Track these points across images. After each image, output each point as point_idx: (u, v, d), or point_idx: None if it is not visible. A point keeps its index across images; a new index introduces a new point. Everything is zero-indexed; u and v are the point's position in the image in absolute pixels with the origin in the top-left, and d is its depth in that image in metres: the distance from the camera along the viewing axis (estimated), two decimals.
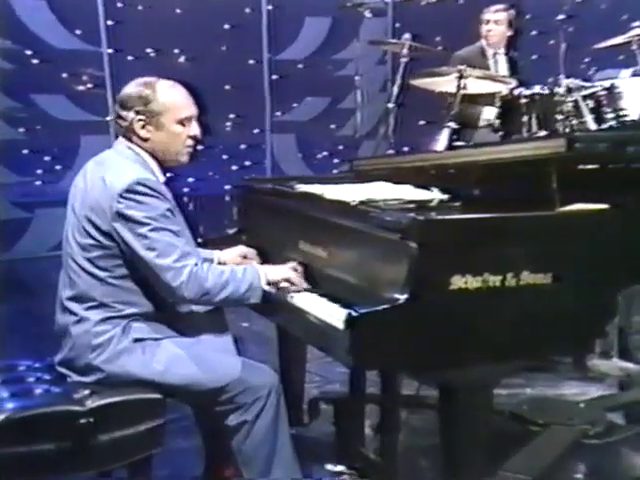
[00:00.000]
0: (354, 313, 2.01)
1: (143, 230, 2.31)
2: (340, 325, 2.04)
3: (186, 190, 7.36)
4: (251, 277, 2.43)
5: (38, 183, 7.08)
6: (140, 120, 2.43)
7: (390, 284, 2.12)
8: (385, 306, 2.03)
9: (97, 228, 2.36)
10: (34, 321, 4.73)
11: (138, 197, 2.32)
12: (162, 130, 2.45)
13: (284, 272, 2.49)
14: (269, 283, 2.46)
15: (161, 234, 2.32)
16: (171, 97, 2.45)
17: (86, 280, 2.40)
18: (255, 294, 2.43)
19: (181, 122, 2.46)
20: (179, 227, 2.41)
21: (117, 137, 2.56)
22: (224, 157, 7.68)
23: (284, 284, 2.48)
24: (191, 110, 2.49)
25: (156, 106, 2.42)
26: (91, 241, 2.38)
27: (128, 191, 2.32)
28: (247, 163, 7.76)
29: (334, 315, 2.12)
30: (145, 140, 2.46)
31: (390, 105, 5.07)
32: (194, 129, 2.49)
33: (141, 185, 2.33)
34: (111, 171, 2.40)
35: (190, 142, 2.50)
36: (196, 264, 2.36)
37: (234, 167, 7.69)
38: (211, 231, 3.44)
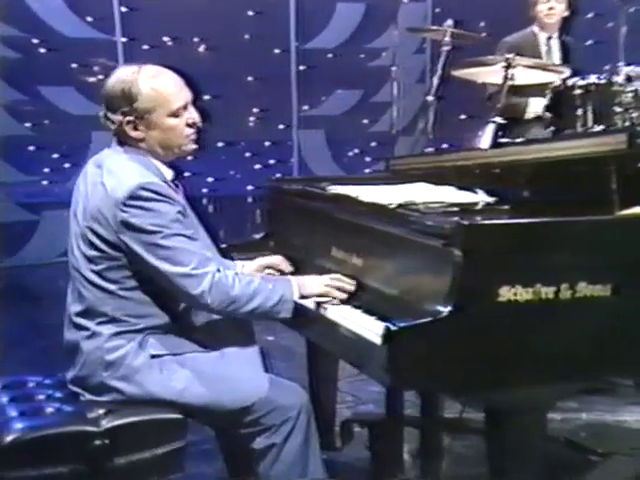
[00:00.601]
0: (392, 327, 2.01)
1: (154, 239, 2.31)
2: (377, 340, 2.04)
3: (205, 191, 7.40)
4: (283, 289, 2.42)
5: (45, 183, 7.16)
6: (129, 122, 2.38)
7: (432, 295, 2.12)
8: (426, 319, 2.03)
9: (102, 239, 2.36)
10: (41, 333, 4.79)
11: (143, 203, 2.31)
12: (155, 128, 2.40)
13: (320, 287, 2.46)
14: (304, 297, 2.45)
15: (174, 241, 2.32)
16: (157, 89, 2.38)
17: (95, 294, 2.41)
18: (286, 308, 2.41)
19: (174, 114, 2.40)
20: (193, 230, 2.42)
21: None
22: (246, 155, 7.72)
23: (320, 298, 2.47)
24: (183, 98, 2.42)
25: (143, 103, 2.36)
26: (97, 252, 2.38)
27: (131, 198, 2.30)
28: (271, 161, 7.79)
29: (370, 329, 2.12)
30: (140, 141, 2.42)
31: (429, 98, 5.05)
32: (191, 116, 2.44)
33: (145, 190, 2.32)
34: (111, 175, 2.37)
35: (190, 130, 2.44)
36: (218, 270, 2.36)
37: (257, 166, 7.72)
38: (232, 236, 3.45)
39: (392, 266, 2.39)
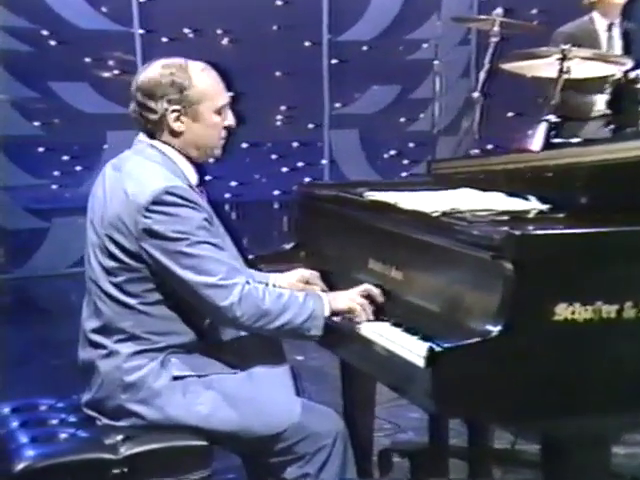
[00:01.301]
0: (437, 348, 2.00)
1: (178, 247, 2.33)
2: (419, 362, 2.03)
3: (228, 196, 7.43)
4: (313, 304, 2.43)
5: (55, 187, 7.23)
6: (175, 111, 2.44)
7: (480, 313, 2.11)
8: (474, 340, 2.02)
9: (122, 248, 2.38)
10: (52, 351, 4.82)
11: (168, 209, 2.33)
12: (199, 122, 2.46)
13: (351, 300, 2.47)
14: (334, 313, 2.46)
15: (201, 248, 2.34)
16: (207, 82, 2.47)
17: (113, 308, 2.43)
18: (316, 325, 2.42)
19: (218, 111, 2.48)
20: (219, 239, 2.44)
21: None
22: (273, 157, 7.74)
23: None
24: (226, 97, 2.52)
25: (193, 93, 2.43)
26: (116, 263, 2.40)
27: (155, 203, 2.33)
28: (300, 164, 7.81)
29: (412, 349, 2.12)
30: (178, 135, 2.47)
31: (475, 94, 5.04)
32: (230, 118, 2.53)
33: (170, 194, 2.34)
34: (133, 179, 2.41)
35: (224, 134, 2.53)
36: (247, 282, 2.38)
37: (284, 169, 7.74)
38: (257, 245, 3.46)
39: (435, 280, 2.38)
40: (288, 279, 2.78)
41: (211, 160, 2.56)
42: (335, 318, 2.47)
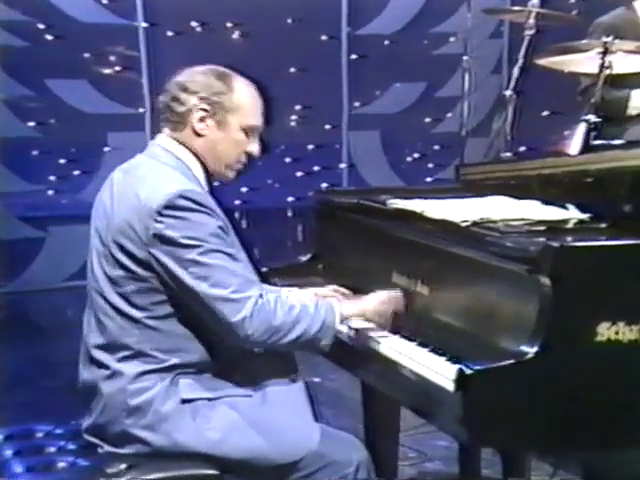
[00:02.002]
0: (467, 370, 2.00)
1: (190, 255, 2.35)
2: (448, 385, 2.04)
3: (237, 202, 7.44)
4: (325, 313, 2.45)
5: (51, 193, 7.26)
6: (202, 109, 2.50)
7: (514, 332, 2.11)
8: (508, 362, 2.02)
9: (129, 255, 2.40)
10: (48, 372, 4.81)
11: (181, 214, 2.36)
12: (223, 130, 2.52)
13: (364, 305, 2.52)
14: (344, 320, 2.49)
15: (214, 257, 2.36)
16: (246, 97, 2.54)
17: (119, 322, 2.44)
18: (328, 334, 2.44)
19: (246, 130, 2.54)
20: (234, 249, 2.45)
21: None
22: (287, 160, 7.75)
23: (365, 323, 2.51)
24: (260, 120, 2.58)
25: (227, 100, 2.51)
26: (123, 272, 2.42)
27: (168, 207, 2.36)
28: (316, 168, 7.82)
29: (440, 372, 2.12)
30: (198, 136, 2.52)
31: (507, 92, 5.01)
32: (255, 145, 2.58)
33: (185, 199, 2.37)
34: (146, 183, 2.44)
35: (244, 159, 2.58)
36: (261, 295, 2.39)
37: (299, 173, 7.75)
38: (270, 256, 3.47)
39: (464, 296, 2.38)
40: (303, 296, 2.77)
41: (219, 179, 2.59)
42: (352, 333, 2.50)
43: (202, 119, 2.51)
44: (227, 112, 2.51)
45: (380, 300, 2.56)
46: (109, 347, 2.47)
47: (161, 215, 2.35)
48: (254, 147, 2.58)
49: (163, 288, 2.41)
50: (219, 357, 2.49)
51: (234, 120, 2.52)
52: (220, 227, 2.41)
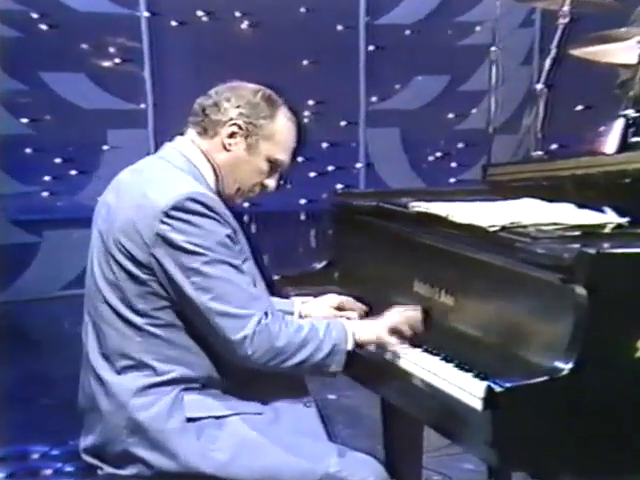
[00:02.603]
0: (497, 387, 2.00)
1: (193, 263, 2.36)
2: (476, 404, 2.03)
3: (246, 205, 7.38)
4: (336, 336, 2.45)
5: (46, 194, 7.27)
6: (237, 125, 2.55)
7: (547, 347, 2.10)
8: (541, 379, 2.01)
9: (130, 257, 2.42)
10: (44, 389, 4.83)
11: (188, 217, 2.37)
12: (250, 154, 2.58)
13: (380, 328, 2.51)
14: (359, 345, 2.49)
15: (219, 268, 2.37)
16: (285, 130, 2.61)
17: (119, 329, 2.46)
18: (337, 360, 2.44)
19: (271, 162, 2.60)
20: (242, 260, 2.46)
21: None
22: (299, 159, 7.72)
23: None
24: (288, 159, 2.65)
25: (265, 126, 2.57)
26: (122, 275, 2.44)
27: (176, 209, 2.38)
28: (330, 168, 7.83)
29: (467, 389, 2.12)
30: (224, 150, 2.57)
31: (538, 86, 5.01)
32: (273, 181, 2.65)
33: (194, 202, 2.39)
34: (155, 183, 2.47)
35: (258, 190, 2.65)
36: (266, 313, 2.39)
37: (312, 174, 7.75)
38: (281, 263, 3.47)
39: (492, 307, 2.38)
40: (317, 307, 2.82)
41: (226, 202, 2.59)
42: (372, 346, 2.51)
43: (233, 135, 2.56)
44: (261, 137, 2.57)
45: (397, 320, 2.54)
46: (108, 357, 2.48)
47: (168, 216, 2.37)
48: (272, 182, 2.64)
49: (164, 293, 2.42)
50: (226, 373, 2.49)
51: (265, 148, 2.58)
52: (228, 235, 2.42)
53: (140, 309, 2.44)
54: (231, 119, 2.55)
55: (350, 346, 2.46)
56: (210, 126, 2.57)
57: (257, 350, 2.36)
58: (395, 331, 2.51)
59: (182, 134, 2.62)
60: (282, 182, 2.68)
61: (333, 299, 2.84)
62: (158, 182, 2.47)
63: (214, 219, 2.40)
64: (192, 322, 2.42)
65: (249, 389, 2.52)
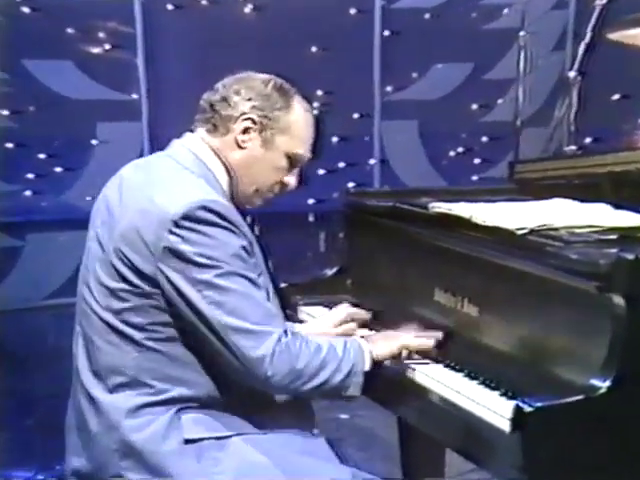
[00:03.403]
0: (526, 407, 2.00)
1: (205, 275, 2.35)
2: (503, 425, 2.04)
3: (249, 205, 7.42)
4: (354, 356, 2.47)
5: (29, 194, 7.26)
6: (250, 120, 2.54)
7: (581, 362, 2.11)
8: (575, 398, 2.02)
9: (133, 268, 2.41)
10: (26, 408, 4.83)
11: (201, 228, 2.36)
12: (267, 150, 2.57)
13: (396, 345, 2.54)
14: (376, 363, 2.50)
15: (233, 282, 2.37)
16: (301, 121, 2.60)
17: (113, 342, 2.45)
18: (355, 382, 2.46)
19: (290, 158, 2.60)
20: (257, 274, 2.47)
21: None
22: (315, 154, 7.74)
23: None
24: (308, 152, 2.64)
25: (281, 119, 2.56)
26: (123, 285, 2.43)
27: (187, 218, 2.36)
28: (341, 165, 7.82)
29: (493, 408, 2.12)
30: (238, 148, 2.56)
31: (571, 73, 5.02)
32: (293, 178, 2.64)
33: (207, 211, 2.38)
34: (164, 186, 2.46)
35: (277, 189, 2.64)
36: (285, 331, 2.40)
37: (321, 171, 7.73)
38: (287, 269, 3.47)
39: (521, 318, 2.39)
40: (326, 324, 2.84)
41: (242, 206, 2.60)
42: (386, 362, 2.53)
43: (247, 130, 2.55)
44: (277, 131, 2.56)
45: (411, 344, 2.57)
46: (100, 373, 2.48)
47: (178, 226, 2.36)
48: (292, 179, 2.63)
49: (168, 307, 2.42)
50: (229, 394, 2.49)
51: (282, 141, 2.57)
52: (244, 247, 2.42)
53: (138, 323, 2.43)
54: (243, 113, 2.54)
55: (368, 366, 2.47)
56: (221, 123, 2.56)
57: (278, 371, 2.36)
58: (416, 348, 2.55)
59: (192, 131, 2.61)
60: (302, 180, 2.67)
61: (334, 317, 2.86)
62: (166, 185, 2.46)
63: (228, 229, 2.39)
64: (199, 339, 2.41)
65: (252, 412, 2.52)
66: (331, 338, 2.57)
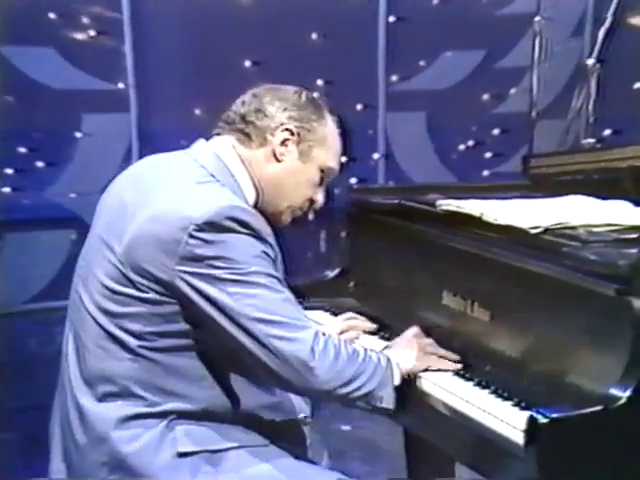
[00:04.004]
0: (541, 418, 2.01)
1: (227, 274, 2.36)
2: (517, 437, 2.05)
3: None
4: (385, 365, 2.48)
5: (8, 190, 7.24)
6: (288, 131, 2.57)
7: (599, 370, 2.12)
8: (594, 408, 2.03)
9: (145, 273, 2.41)
10: (7, 420, 4.80)
11: (224, 236, 2.37)
12: (304, 162, 2.60)
13: (421, 358, 2.55)
14: (409, 377, 2.53)
15: (258, 277, 2.37)
16: (334, 133, 2.66)
17: (107, 348, 2.45)
18: (388, 394, 2.47)
19: (323, 172, 2.64)
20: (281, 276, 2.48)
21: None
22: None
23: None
24: (338, 167, 2.70)
25: (318, 130, 2.61)
26: (129, 289, 2.43)
27: (211, 224, 2.36)
28: (343, 159, 7.80)
29: (506, 420, 2.13)
30: (275, 161, 2.57)
31: (590, 61, 5.02)
32: (322, 195, 2.68)
33: (232, 220, 2.38)
34: (186, 188, 2.46)
35: (306, 206, 2.67)
36: (318, 331, 2.41)
37: None
38: (285, 270, 3.50)
39: (535, 323, 2.39)
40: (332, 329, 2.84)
41: (268, 224, 2.57)
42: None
43: (284, 142, 2.57)
44: (315, 143, 2.60)
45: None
46: (90, 380, 2.48)
47: (200, 230, 2.36)
48: (321, 196, 2.66)
49: (179, 315, 2.42)
50: (224, 410, 2.50)
51: (318, 155, 2.60)
52: (266, 252, 2.42)
53: (135, 329, 2.43)
54: (282, 124, 2.56)
55: (398, 380, 2.49)
56: (256, 133, 2.57)
57: (320, 366, 2.37)
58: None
59: (219, 134, 2.61)
60: (330, 196, 2.71)
61: (344, 322, 2.90)
62: (189, 187, 2.46)
63: (252, 235, 2.40)
64: (202, 346, 2.43)
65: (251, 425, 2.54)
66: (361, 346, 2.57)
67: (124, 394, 2.44)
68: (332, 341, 2.41)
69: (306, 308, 2.86)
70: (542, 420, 2.01)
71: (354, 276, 3.19)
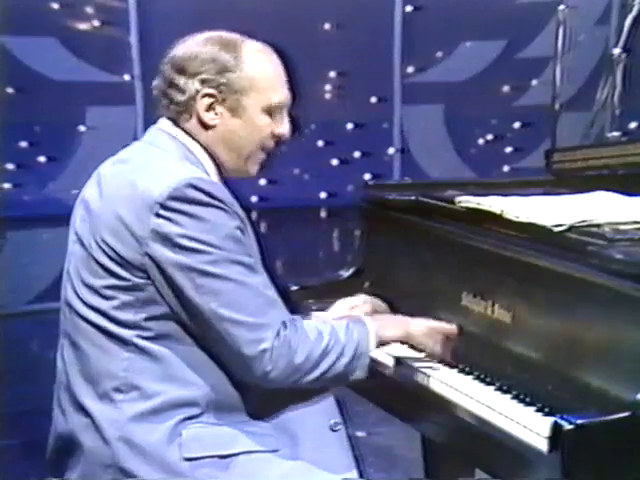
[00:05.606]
0: (566, 424, 2.01)
1: (197, 263, 2.37)
2: (541, 444, 2.04)
3: (254, 199, 7.45)
4: (358, 337, 2.51)
5: (9, 186, 7.28)
6: (209, 96, 2.53)
7: (626, 374, 2.11)
8: (621, 414, 2.02)
9: (119, 259, 2.43)
10: (4, 426, 4.83)
11: (190, 208, 2.38)
12: (239, 117, 2.55)
13: (407, 326, 2.58)
14: (382, 344, 2.55)
15: (228, 269, 2.38)
16: (262, 68, 2.57)
17: (102, 345, 2.46)
18: (361, 364, 2.51)
19: (269, 110, 2.57)
20: (254, 257, 2.48)
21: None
22: (319, 144, 7.76)
23: (409, 351, 2.58)
24: (285, 95, 2.61)
25: (239, 78, 2.54)
26: (110, 281, 2.44)
27: (174, 198, 2.38)
28: (357, 154, 7.83)
29: (529, 426, 2.12)
30: (208, 128, 2.55)
31: (616, 51, 5.01)
32: (284, 125, 2.61)
33: (195, 189, 2.39)
34: (146, 170, 2.48)
35: (271, 144, 2.62)
36: (284, 323, 2.42)
37: (334, 161, 7.76)
38: (297, 270, 3.49)
39: (558, 324, 2.39)
40: (338, 312, 2.82)
41: (239, 177, 2.63)
42: (392, 364, 2.57)
43: (210, 107, 2.54)
44: (240, 93, 2.54)
45: (430, 325, 2.63)
46: (90, 381, 2.49)
47: (164, 208, 2.39)
48: (283, 128, 2.60)
49: (161, 299, 2.44)
50: (227, 396, 2.50)
51: (251, 101, 2.55)
52: (238, 227, 2.44)
53: (127, 320, 2.44)
54: (197, 92, 2.53)
55: (373, 346, 2.52)
56: (180, 109, 2.56)
57: (275, 367, 2.39)
58: (428, 334, 2.61)
59: (161, 115, 2.62)
60: (295, 124, 2.64)
61: (352, 301, 2.87)
62: (149, 169, 2.49)
63: (220, 208, 2.41)
64: (196, 332, 2.44)
65: (262, 406, 2.54)
66: (334, 321, 2.60)
67: (125, 388, 2.45)
68: (294, 334, 2.42)
69: (319, 309, 2.87)
70: (567, 426, 2.00)
71: (369, 276, 3.18)
